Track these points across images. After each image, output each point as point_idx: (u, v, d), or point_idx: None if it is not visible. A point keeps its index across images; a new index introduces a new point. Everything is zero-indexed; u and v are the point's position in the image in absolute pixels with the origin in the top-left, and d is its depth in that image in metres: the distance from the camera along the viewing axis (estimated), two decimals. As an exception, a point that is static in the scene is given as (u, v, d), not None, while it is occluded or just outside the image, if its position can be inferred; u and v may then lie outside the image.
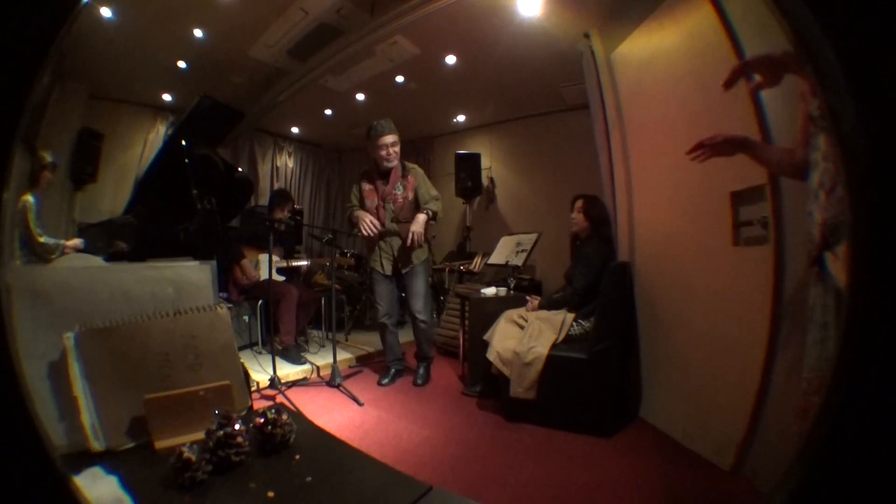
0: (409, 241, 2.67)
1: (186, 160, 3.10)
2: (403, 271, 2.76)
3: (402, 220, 2.73)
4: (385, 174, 2.75)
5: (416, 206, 2.76)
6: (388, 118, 2.74)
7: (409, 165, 2.82)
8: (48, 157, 2.58)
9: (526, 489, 1.63)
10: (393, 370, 2.87)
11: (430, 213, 2.73)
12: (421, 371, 2.87)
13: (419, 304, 2.77)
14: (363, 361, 3.33)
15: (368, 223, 2.63)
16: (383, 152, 2.67)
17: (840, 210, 0.83)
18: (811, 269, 0.93)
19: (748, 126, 1.59)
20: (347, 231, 3.05)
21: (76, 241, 2.77)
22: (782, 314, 1.48)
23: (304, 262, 3.51)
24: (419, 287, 2.78)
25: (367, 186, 2.77)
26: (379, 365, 3.15)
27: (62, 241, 2.65)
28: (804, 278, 0.98)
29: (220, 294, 1.81)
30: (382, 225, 2.70)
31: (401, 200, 2.73)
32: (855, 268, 0.47)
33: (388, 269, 2.76)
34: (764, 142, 1.09)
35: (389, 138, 2.67)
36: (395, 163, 2.72)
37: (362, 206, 2.76)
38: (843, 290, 0.80)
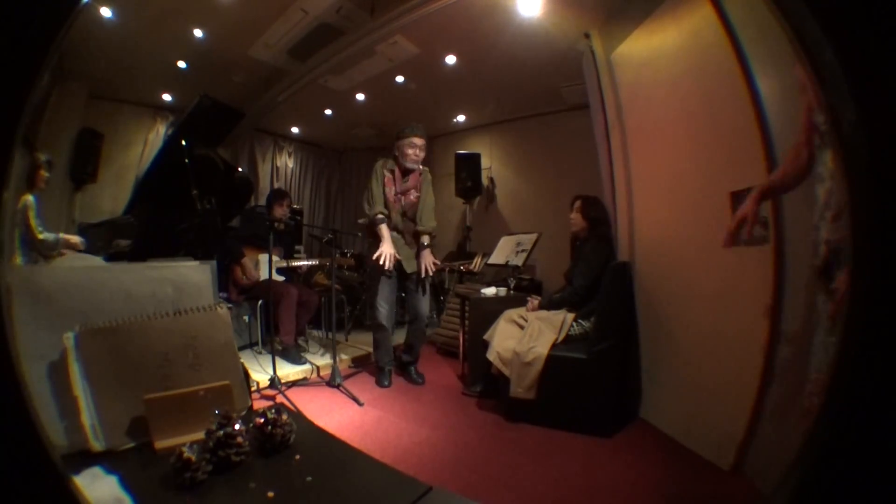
0: (423, 272, 2.76)
1: (186, 160, 3.10)
2: (409, 271, 2.78)
3: (408, 217, 2.83)
4: (405, 171, 2.83)
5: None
6: (422, 125, 2.85)
7: (424, 168, 2.91)
8: (44, 157, 2.57)
9: (526, 489, 1.63)
10: (388, 369, 2.88)
11: (429, 237, 2.83)
12: (414, 370, 2.90)
13: (426, 308, 2.85)
14: (363, 362, 3.33)
15: (389, 257, 2.64)
16: (412, 151, 2.77)
17: (843, 237, 0.85)
18: (818, 278, 0.94)
19: (748, 126, 1.59)
20: (354, 231, 3.05)
21: (76, 241, 2.76)
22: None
23: (304, 262, 3.51)
24: (423, 292, 2.83)
25: (387, 175, 2.82)
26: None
27: (61, 235, 2.64)
28: (809, 285, 0.99)
29: (220, 294, 1.81)
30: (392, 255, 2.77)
31: (413, 199, 2.83)
32: (855, 267, 0.48)
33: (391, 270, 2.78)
34: (773, 175, 1.13)
35: (420, 140, 2.79)
36: (417, 165, 2.83)
37: (382, 195, 2.79)
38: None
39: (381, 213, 2.74)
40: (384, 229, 2.70)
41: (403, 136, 2.79)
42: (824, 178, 0.94)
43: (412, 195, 2.82)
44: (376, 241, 2.77)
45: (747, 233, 1.11)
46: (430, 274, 2.78)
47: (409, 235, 2.83)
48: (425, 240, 2.81)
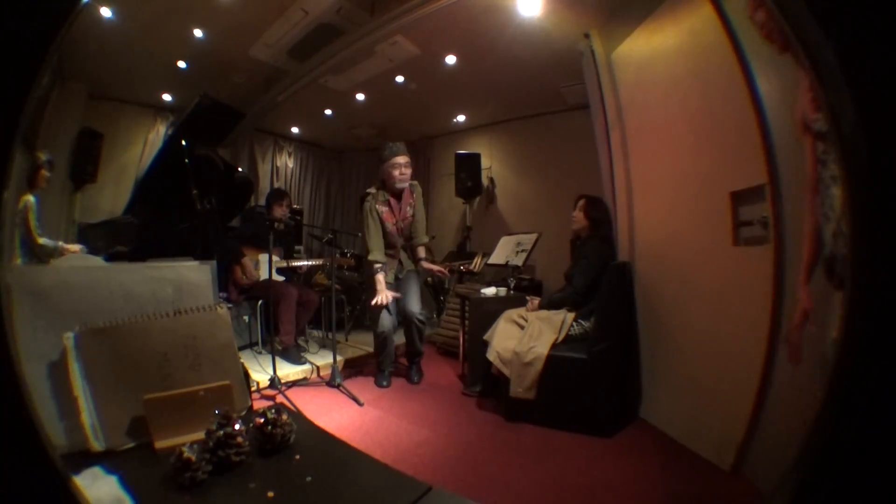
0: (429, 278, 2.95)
1: (186, 160, 3.10)
2: (399, 276, 2.87)
3: (406, 235, 2.91)
4: (396, 194, 2.84)
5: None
6: (401, 142, 2.86)
7: (413, 183, 2.92)
8: (44, 157, 2.57)
9: (526, 489, 1.63)
10: (387, 371, 2.89)
11: (425, 248, 2.97)
12: (415, 368, 2.92)
13: (417, 305, 2.86)
14: (363, 362, 3.33)
15: (382, 300, 2.68)
16: (397, 171, 2.75)
17: None
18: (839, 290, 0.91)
19: (748, 126, 1.59)
20: (354, 231, 3.12)
21: (76, 248, 2.76)
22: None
23: (304, 262, 3.51)
24: (414, 289, 2.88)
25: (383, 209, 2.81)
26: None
27: (60, 244, 2.65)
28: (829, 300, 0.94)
29: (220, 294, 1.80)
30: (393, 246, 2.85)
31: (409, 218, 2.89)
32: (855, 268, 0.47)
33: (392, 279, 2.86)
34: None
35: (403, 159, 2.77)
36: (407, 183, 2.82)
37: (383, 230, 2.80)
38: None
39: (380, 262, 2.75)
40: (380, 280, 2.72)
41: (386, 159, 2.78)
42: (838, 180, 0.89)
43: (409, 213, 2.88)
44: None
45: (810, 325, 1.03)
46: (447, 275, 2.92)
47: (409, 249, 2.95)
48: (422, 251, 2.91)
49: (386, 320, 2.80)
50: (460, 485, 1.64)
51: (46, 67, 0.46)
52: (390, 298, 2.70)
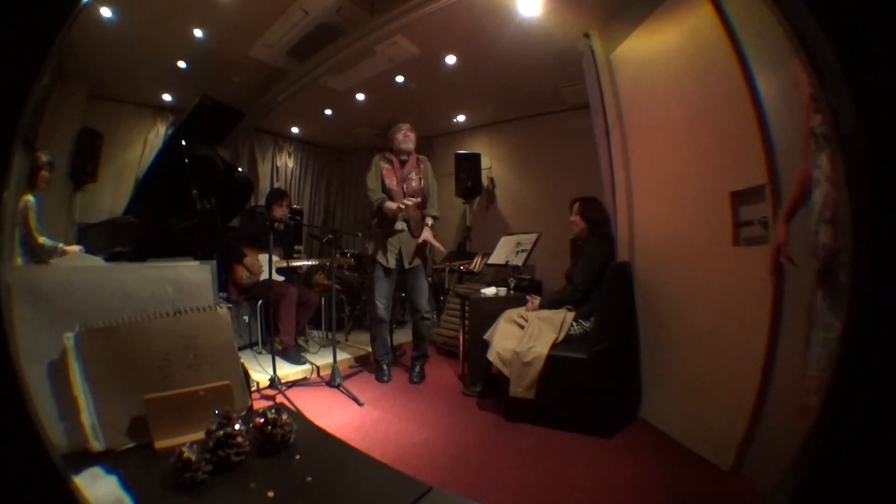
0: (425, 247, 2.89)
1: (186, 160, 3.10)
2: (407, 267, 2.82)
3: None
4: (400, 158, 2.90)
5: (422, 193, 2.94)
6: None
7: (421, 157, 2.98)
8: (45, 157, 2.57)
9: (526, 489, 1.63)
10: (385, 365, 2.90)
11: (432, 219, 2.92)
12: (417, 369, 2.92)
13: (424, 302, 2.88)
14: (363, 361, 3.33)
15: (398, 205, 2.72)
16: (400, 134, 2.86)
17: (840, 240, 0.89)
18: (818, 280, 0.96)
19: (748, 126, 1.59)
20: (354, 231, 3.08)
21: (75, 249, 2.76)
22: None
23: (303, 262, 3.51)
24: (423, 286, 2.89)
25: (385, 166, 2.88)
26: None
27: (60, 244, 2.65)
28: (810, 285, 1.01)
29: (220, 294, 1.80)
30: (399, 208, 2.81)
31: (415, 185, 2.89)
32: (855, 268, 0.47)
33: (392, 263, 2.82)
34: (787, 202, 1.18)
35: (406, 125, 2.92)
36: (411, 146, 2.90)
37: (382, 186, 2.84)
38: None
39: (383, 196, 2.80)
40: (391, 203, 2.75)
41: (393, 126, 2.91)
42: (820, 181, 0.94)
43: (413, 182, 2.88)
44: (382, 223, 2.83)
45: (784, 257, 1.17)
46: (431, 245, 2.86)
47: (414, 223, 2.87)
48: (428, 221, 2.89)
49: (381, 306, 2.83)
50: (460, 485, 1.64)
51: (46, 67, 0.46)
52: (408, 203, 2.74)
